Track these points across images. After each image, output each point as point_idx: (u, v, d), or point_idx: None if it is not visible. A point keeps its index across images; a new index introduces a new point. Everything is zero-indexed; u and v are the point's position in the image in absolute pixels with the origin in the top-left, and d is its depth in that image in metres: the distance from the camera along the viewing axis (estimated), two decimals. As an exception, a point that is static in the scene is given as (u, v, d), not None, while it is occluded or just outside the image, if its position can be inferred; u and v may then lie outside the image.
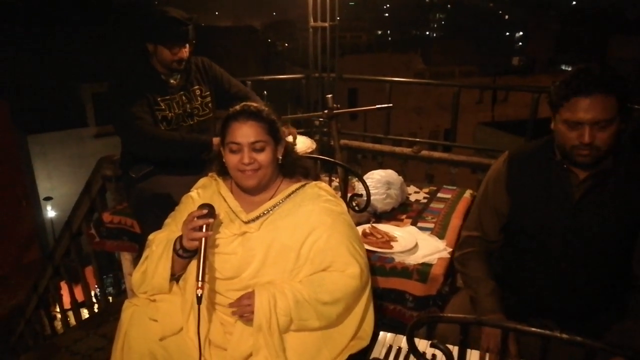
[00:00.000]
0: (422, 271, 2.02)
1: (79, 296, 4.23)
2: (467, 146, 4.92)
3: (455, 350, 1.32)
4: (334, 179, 2.76)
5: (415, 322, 1.26)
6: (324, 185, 1.80)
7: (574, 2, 50.28)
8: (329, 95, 2.75)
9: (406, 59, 23.88)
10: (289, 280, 1.66)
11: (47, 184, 17.53)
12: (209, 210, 1.59)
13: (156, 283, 1.70)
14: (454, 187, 2.90)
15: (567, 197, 1.69)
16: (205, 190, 1.82)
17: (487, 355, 1.59)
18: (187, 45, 2.53)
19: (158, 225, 1.84)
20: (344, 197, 2.37)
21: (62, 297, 4.46)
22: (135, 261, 2.86)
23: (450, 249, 2.16)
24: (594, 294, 1.72)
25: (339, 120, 2.80)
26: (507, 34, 44.67)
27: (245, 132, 1.65)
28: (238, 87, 2.84)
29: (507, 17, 48.54)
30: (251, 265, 1.67)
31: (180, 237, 1.64)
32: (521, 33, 41.91)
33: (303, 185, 1.76)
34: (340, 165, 2.52)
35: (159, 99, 2.54)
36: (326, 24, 4.25)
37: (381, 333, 1.68)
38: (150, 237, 1.79)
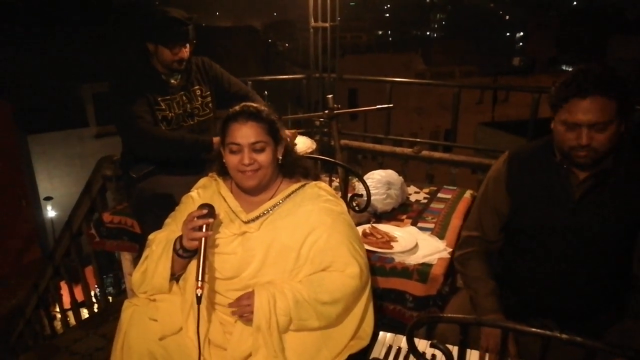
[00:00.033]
0: (422, 271, 2.02)
1: (79, 296, 4.23)
2: (468, 146, 4.91)
3: (455, 350, 1.32)
4: (334, 179, 2.76)
5: (415, 322, 1.26)
6: (323, 185, 1.80)
7: (575, 2, 50.27)
8: (330, 96, 2.75)
9: (406, 59, 23.88)
10: (289, 280, 1.66)
11: (47, 184, 17.51)
12: (208, 210, 1.59)
13: (156, 283, 1.70)
14: (454, 188, 2.90)
15: (567, 197, 1.69)
16: (206, 190, 1.83)
17: (487, 356, 1.59)
18: (188, 45, 2.53)
19: (158, 225, 1.84)
20: (344, 197, 2.37)
21: (61, 297, 4.46)
22: (135, 261, 2.86)
23: (450, 249, 2.15)
24: (594, 294, 1.72)
25: (340, 121, 2.80)
26: (508, 34, 44.67)
27: (245, 133, 1.65)
28: (238, 87, 2.84)
29: (507, 17, 48.55)
30: (251, 265, 1.67)
31: (180, 237, 1.64)
32: (521, 33, 41.90)
33: (303, 185, 1.76)
34: (340, 166, 2.52)
35: (159, 99, 2.55)
36: (327, 24, 4.25)
37: (381, 333, 1.68)
38: (150, 237, 1.79)
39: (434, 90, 19.22)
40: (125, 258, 3.03)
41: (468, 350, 1.57)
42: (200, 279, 1.52)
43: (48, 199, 17.21)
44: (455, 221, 2.44)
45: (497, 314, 1.69)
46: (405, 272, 2.03)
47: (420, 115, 20.70)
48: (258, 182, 1.69)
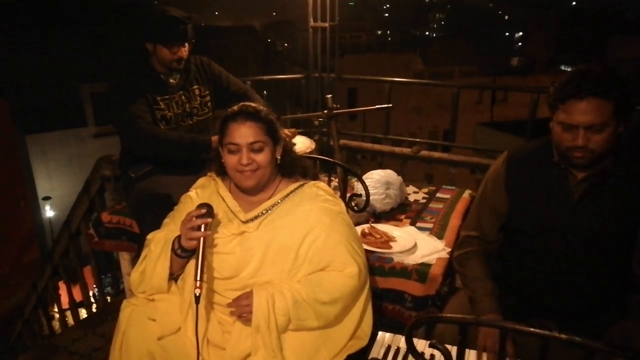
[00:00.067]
0: (421, 271, 2.01)
1: (78, 296, 4.22)
2: (467, 146, 4.92)
3: (453, 350, 1.31)
4: (333, 179, 2.75)
5: (414, 322, 1.26)
6: (322, 185, 1.80)
7: (574, 3, 50.30)
8: (329, 95, 2.75)
9: (406, 59, 23.87)
10: (288, 280, 1.66)
11: (46, 184, 17.51)
12: (207, 210, 1.59)
13: (155, 283, 1.69)
14: (453, 187, 2.90)
15: (566, 197, 1.69)
16: (204, 190, 1.82)
17: (484, 355, 1.59)
18: (187, 45, 2.53)
19: (157, 225, 1.84)
20: (343, 197, 2.36)
21: (60, 296, 4.45)
22: (134, 261, 2.85)
23: (449, 249, 2.15)
24: (594, 294, 1.72)
25: (339, 120, 2.80)
26: (507, 34, 44.69)
27: (244, 133, 1.65)
28: (237, 85, 2.84)
29: (506, 17, 48.56)
30: (250, 264, 1.67)
31: (179, 237, 1.64)
32: (520, 33, 41.93)
33: (301, 185, 1.76)
34: (339, 165, 2.52)
35: (158, 98, 2.54)
36: (326, 24, 4.25)
37: (380, 333, 1.67)
38: (149, 236, 1.79)
39: (433, 90, 19.22)
40: (124, 258, 3.02)
41: (467, 350, 1.57)
42: (198, 278, 1.51)
43: (46, 198, 17.21)
44: (454, 221, 2.43)
45: (495, 314, 1.69)
46: (404, 272, 2.03)
47: (419, 115, 20.70)
48: (256, 182, 1.69)
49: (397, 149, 4.22)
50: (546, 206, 1.71)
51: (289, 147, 1.83)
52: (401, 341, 1.62)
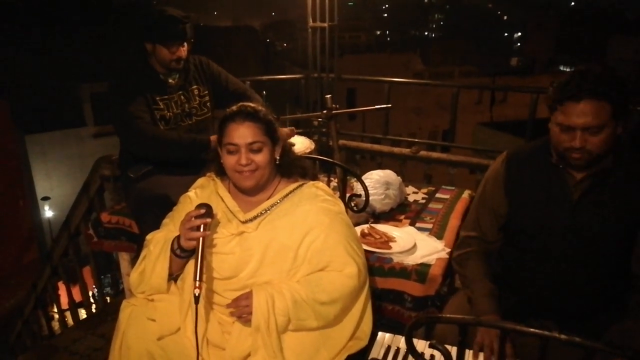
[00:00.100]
0: (420, 272, 2.01)
1: (77, 296, 4.22)
2: (466, 147, 4.91)
3: (453, 350, 1.31)
4: (332, 179, 2.75)
5: (414, 323, 1.26)
6: (321, 185, 1.80)
7: (573, 3, 50.31)
8: (328, 96, 2.75)
9: (405, 59, 23.87)
10: (287, 280, 1.66)
11: (45, 184, 17.51)
12: (206, 210, 1.59)
13: (154, 283, 1.69)
14: (453, 188, 2.90)
15: (566, 197, 1.69)
16: (203, 190, 1.82)
17: (481, 354, 1.59)
18: (185, 44, 2.52)
19: (157, 225, 1.84)
20: (342, 197, 2.36)
21: (59, 297, 4.45)
22: (133, 261, 2.85)
23: (449, 250, 2.15)
24: (594, 294, 1.72)
25: (338, 121, 2.80)
26: (506, 34, 44.70)
27: (242, 133, 1.65)
28: (237, 85, 2.84)
29: (505, 17, 48.57)
30: (249, 265, 1.67)
31: (178, 237, 1.64)
32: (520, 34, 41.94)
33: (301, 185, 1.76)
34: (338, 166, 2.52)
35: (157, 98, 2.54)
36: (325, 24, 4.25)
37: (380, 333, 1.67)
38: (148, 237, 1.79)
39: (432, 91, 19.22)
40: (123, 258, 3.02)
41: (467, 351, 1.57)
42: (198, 278, 1.51)
43: (46, 199, 17.21)
44: (454, 221, 2.43)
45: (494, 315, 1.68)
46: (403, 272, 2.03)
47: (418, 116, 20.69)
48: (255, 183, 1.69)
49: (396, 149, 4.22)
50: (546, 206, 1.71)
51: (288, 148, 1.83)
52: (401, 341, 1.62)
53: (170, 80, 2.59)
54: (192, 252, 1.62)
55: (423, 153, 4.09)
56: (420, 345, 1.58)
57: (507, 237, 1.87)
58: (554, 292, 1.74)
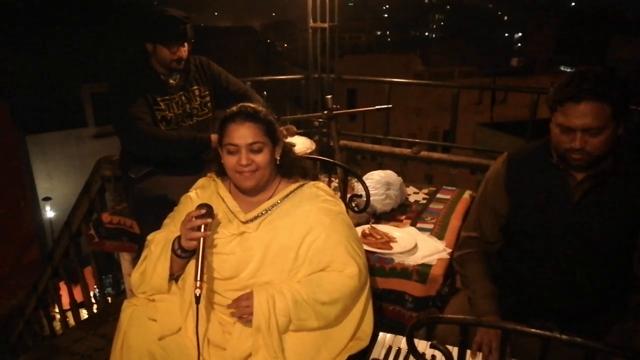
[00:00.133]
0: (421, 272, 2.02)
1: (78, 297, 4.22)
2: (466, 147, 4.92)
3: (454, 351, 1.31)
4: (333, 179, 2.76)
5: (415, 323, 1.26)
6: (322, 185, 1.80)
7: (573, 3, 50.30)
8: (329, 96, 2.75)
9: (405, 60, 23.86)
10: (287, 280, 1.66)
11: (46, 184, 17.51)
12: (207, 210, 1.59)
13: (155, 283, 1.70)
14: (453, 188, 2.90)
15: (566, 198, 1.69)
16: (204, 191, 1.82)
17: (479, 354, 1.59)
18: (186, 44, 2.53)
19: (157, 226, 1.84)
20: (343, 197, 2.36)
21: (61, 297, 4.46)
22: (135, 261, 2.85)
23: (450, 250, 2.15)
24: (594, 294, 1.72)
25: (339, 121, 2.80)
26: (507, 34, 44.71)
27: (243, 134, 1.65)
28: (237, 85, 2.84)
29: (506, 17, 48.58)
30: (249, 265, 1.67)
31: (179, 237, 1.64)
32: (520, 34, 41.94)
33: (301, 186, 1.76)
34: (339, 166, 2.52)
35: (158, 99, 2.54)
36: (325, 25, 4.25)
37: (381, 334, 1.68)
38: (149, 237, 1.79)
39: (432, 91, 19.22)
40: (124, 258, 3.03)
41: (468, 351, 1.57)
42: (198, 279, 1.52)
43: (47, 199, 17.21)
44: (455, 222, 2.43)
45: (494, 316, 1.69)
46: (404, 272, 2.03)
47: (419, 116, 20.70)
48: (256, 183, 1.69)
49: (397, 150, 4.22)
50: (546, 207, 1.71)
51: (288, 148, 1.83)
52: (402, 342, 1.63)
53: (171, 81, 2.59)
54: (193, 253, 1.62)
55: (424, 153, 4.09)
56: (422, 345, 1.58)
57: (508, 238, 1.87)
58: (554, 293, 1.74)
